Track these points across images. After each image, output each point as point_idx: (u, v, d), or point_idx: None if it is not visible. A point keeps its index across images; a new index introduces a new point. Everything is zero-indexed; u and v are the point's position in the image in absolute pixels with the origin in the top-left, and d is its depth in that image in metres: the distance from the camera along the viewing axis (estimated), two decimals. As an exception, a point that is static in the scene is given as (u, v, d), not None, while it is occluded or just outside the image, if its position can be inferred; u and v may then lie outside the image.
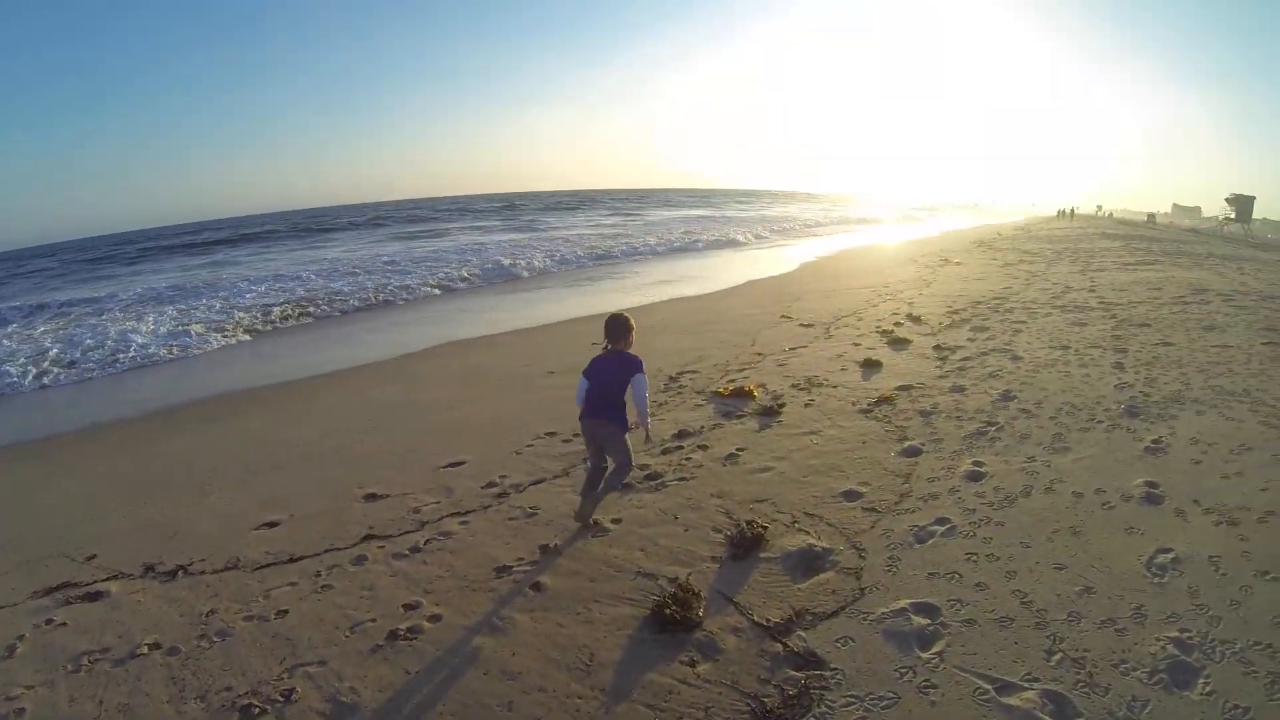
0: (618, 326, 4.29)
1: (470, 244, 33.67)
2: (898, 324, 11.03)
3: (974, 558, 3.97)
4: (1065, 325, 10.23)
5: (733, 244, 32.58)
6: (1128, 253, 21.84)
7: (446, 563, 4.35)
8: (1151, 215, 73.68)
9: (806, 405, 7.02)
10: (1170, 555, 3.88)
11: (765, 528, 4.34)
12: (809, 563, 4.03)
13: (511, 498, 5.26)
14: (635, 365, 4.17)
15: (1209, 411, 6.19)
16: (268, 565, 4.55)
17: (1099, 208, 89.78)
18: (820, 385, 7.79)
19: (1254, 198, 41.17)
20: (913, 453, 5.59)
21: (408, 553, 4.52)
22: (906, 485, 5.00)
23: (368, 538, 4.79)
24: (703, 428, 6.50)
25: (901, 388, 7.47)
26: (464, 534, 4.72)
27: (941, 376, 7.90)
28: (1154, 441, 5.55)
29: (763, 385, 7.86)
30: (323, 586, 4.19)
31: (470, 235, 40.99)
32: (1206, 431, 5.70)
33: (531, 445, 6.38)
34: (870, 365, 8.54)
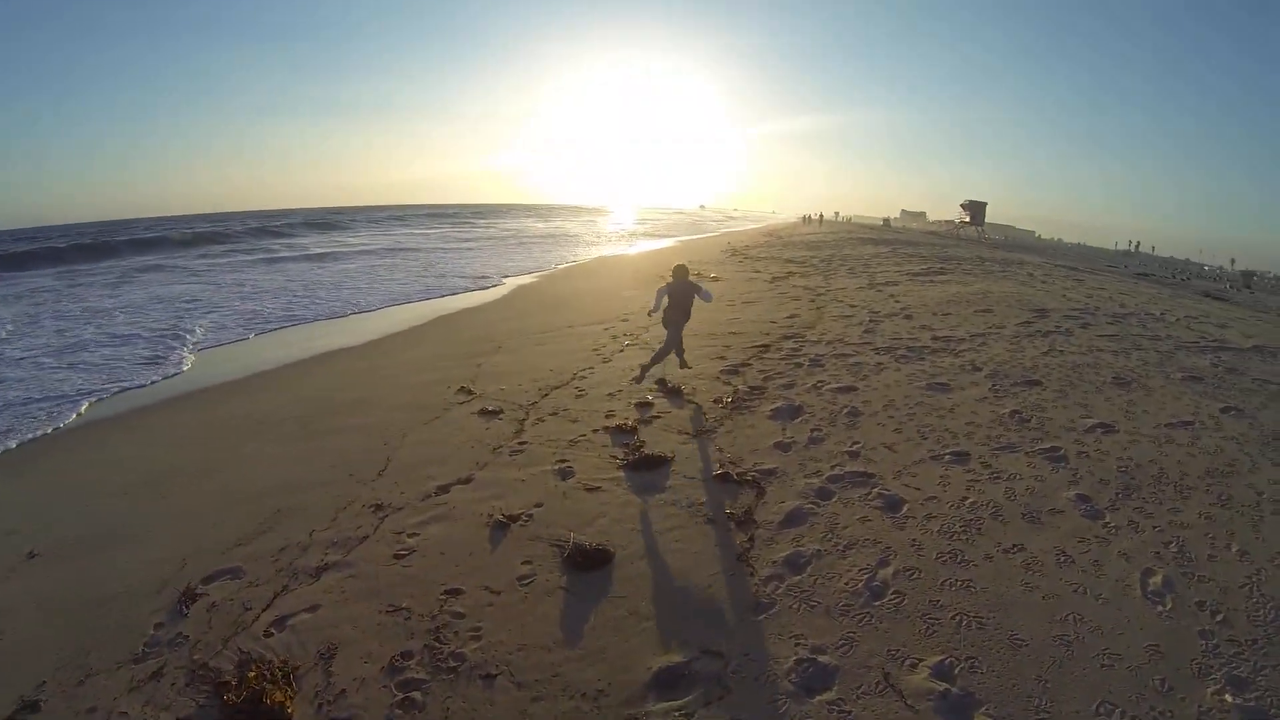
0: (680, 269, 7.58)
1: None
2: (644, 403, 6.72)
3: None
4: (919, 393, 6.71)
5: (427, 252, 27.05)
6: (904, 260, 20.90)
7: None
8: (886, 220, 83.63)
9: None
10: None
11: None
12: None
13: None
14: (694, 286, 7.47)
15: None
16: None
17: (836, 213, 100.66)
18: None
19: (986, 203, 46.86)
20: None
21: None
22: None
23: None
24: None
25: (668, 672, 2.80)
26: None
27: (763, 600, 3.46)
28: None
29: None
30: None
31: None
32: None
33: None
34: (590, 563, 3.86)
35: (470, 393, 7.69)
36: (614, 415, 6.51)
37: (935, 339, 8.85)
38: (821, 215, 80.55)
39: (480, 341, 10.85)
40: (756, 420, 6.15)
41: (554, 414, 6.69)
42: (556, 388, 7.64)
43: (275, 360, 10.35)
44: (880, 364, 7.73)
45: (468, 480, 5.28)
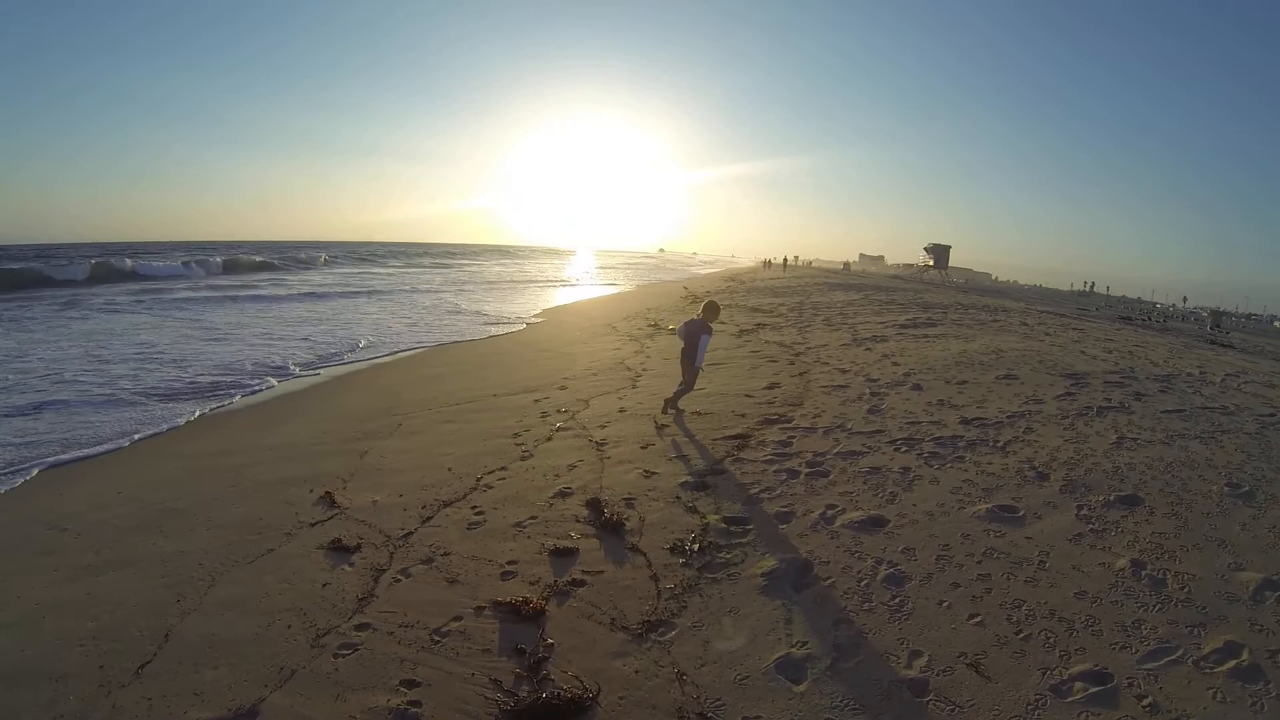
0: (710, 307, 8.23)
1: None
2: (564, 548, 4.74)
3: None
4: (980, 528, 4.68)
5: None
6: (883, 308, 19.37)
7: None
8: (846, 264, 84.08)
9: None
10: None
11: None
12: None
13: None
14: (706, 328, 7.97)
15: None
16: None
17: (797, 257, 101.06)
18: None
19: (949, 246, 46.85)
20: None
21: None
22: None
23: None
24: None
25: None
26: None
27: None
28: None
29: None
30: None
31: None
32: None
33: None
34: None
35: (333, 504, 5.57)
36: (514, 573, 4.33)
37: (964, 423, 6.92)
38: (786, 259, 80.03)
39: (378, 415, 8.67)
40: (739, 595, 4.00)
41: (427, 563, 4.50)
42: (448, 505, 5.48)
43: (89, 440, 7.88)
44: (907, 469, 5.70)
45: (249, 716, 3.08)
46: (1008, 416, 7.09)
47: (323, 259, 59.40)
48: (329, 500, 5.67)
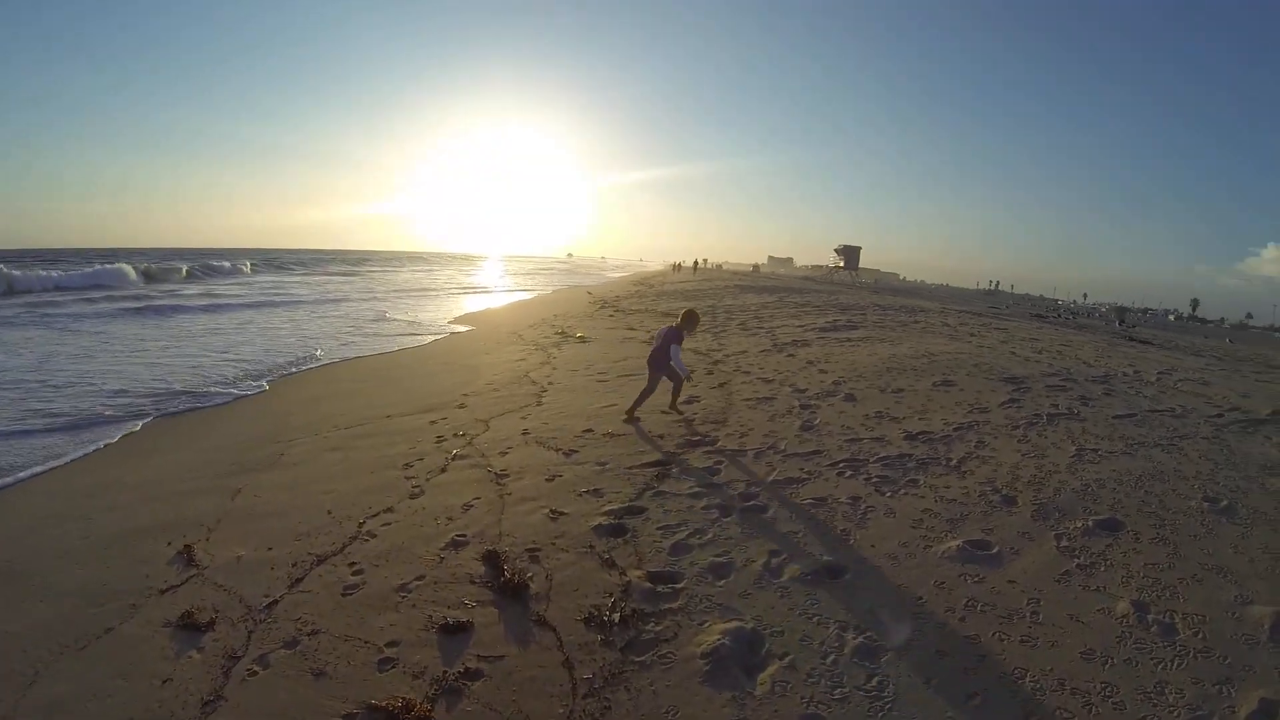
0: (689, 317, 8.09)
1: None
2: (456, 623, 3.76)
3: None
4: (956, 571, 4.09)
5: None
6: (799, 311, 19.13)
7: None
8: (756, 266, 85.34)
9: None
10: None
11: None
12: None
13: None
14: (677, 337, 7.82)
15: None
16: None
17: (706, 260, 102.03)
18: None
19: (860, 248, 48.02)
20: None
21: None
22: None
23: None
24: None
25: None
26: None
27: None
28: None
29: None
30: None
31: None
32: None
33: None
34: None
35: (191, 562, 4.52)
36: (395, 660, 3.41)
37: (910, 438, 6.38)
38: (696, 262, 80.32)
39: (261, 443, 7.54)
40: (677, 688, 3.17)
41: (290, 647, 3.52)
42: (322, 561, 4.47)
43: None
44: (857, 498, 5.05)
45: None
46: (955, 429, 6.62)
47: (248, 267, 55.45)
48: (187, 556, 4.62)
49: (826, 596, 3.79)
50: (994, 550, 4.20)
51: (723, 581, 4.01)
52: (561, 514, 5.10)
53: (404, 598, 4.03)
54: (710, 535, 4.60)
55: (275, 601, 4.01)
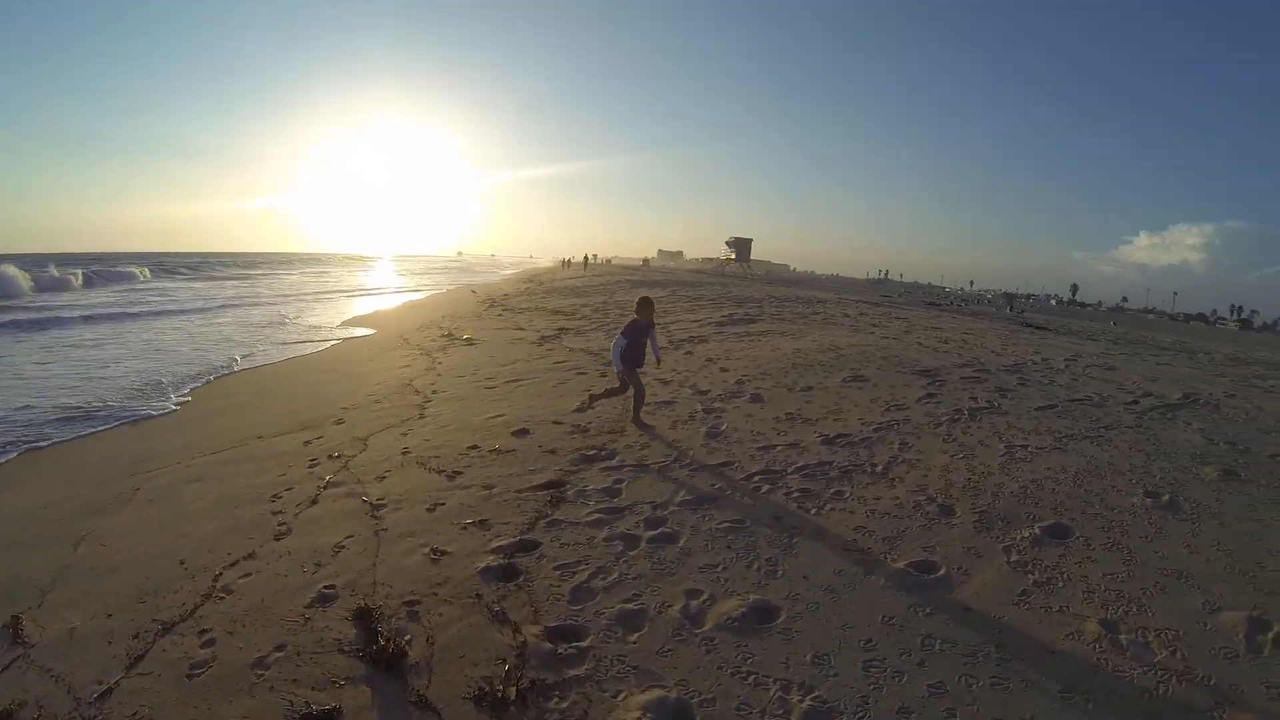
0: (644, 304, 7.49)
1: None
2: (323, 712, 2.90)
3: None
4: (902, 608, 3.56)
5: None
6: (694, 305, 18.83)
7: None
8: (645, 260, 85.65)
9: None
10: None
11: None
12: None
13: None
14: (647, 327, 7.41)
15: None
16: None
17: (595, 255, 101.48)
18: None
19: (751, 240, 48.68)
20: None
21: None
22: None
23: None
24: None
25: None
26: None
27: None
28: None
29: None
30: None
31: None
32: None
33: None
34: None
35: (18, 638, 3.62)
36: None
37: (827, 442, 5.96)
38: (586, 258, 79.68)
39: (116, 476, 6.45)
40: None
41: None
42: (169, 629, 3.58)
43: None
44: (779, 518, 4.52)
45: None
46: (874, 429, 6.27)
47: (145, 272, 50.15)
48: (14, 631, 3.62)
49: (760, 648, 3.21)
50: (941, 572, 3.77)
51: (635, 636, 3.37)
52: (444, 553, 4.32)
53: (260, 677, 3.18)
54: (616, 574, 3.95)
55: (109, 690, 3.12)
